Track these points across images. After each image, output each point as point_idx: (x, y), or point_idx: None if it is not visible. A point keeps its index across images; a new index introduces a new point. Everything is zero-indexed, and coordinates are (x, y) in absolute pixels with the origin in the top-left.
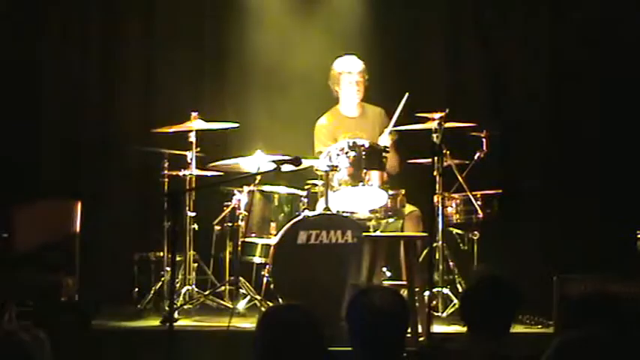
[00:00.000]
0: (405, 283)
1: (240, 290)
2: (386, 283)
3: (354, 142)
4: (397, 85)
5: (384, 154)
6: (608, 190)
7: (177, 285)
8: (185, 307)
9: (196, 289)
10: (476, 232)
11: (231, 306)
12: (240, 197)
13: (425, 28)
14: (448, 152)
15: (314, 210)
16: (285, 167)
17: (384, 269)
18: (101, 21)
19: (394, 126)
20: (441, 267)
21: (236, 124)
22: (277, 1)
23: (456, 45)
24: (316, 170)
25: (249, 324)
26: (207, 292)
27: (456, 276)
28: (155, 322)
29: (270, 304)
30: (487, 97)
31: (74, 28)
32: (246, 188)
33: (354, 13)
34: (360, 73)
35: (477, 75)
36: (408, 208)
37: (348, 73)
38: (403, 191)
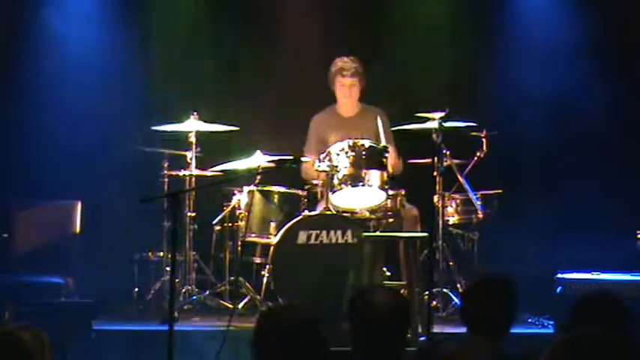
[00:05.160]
0: (405, 283)
1: (240, 290)
2: (386, 283)
3: (354, 142)
4: (398, 85)
5: (384, 154)
6: (608, 190)
7: (177, 285)
8: (185, 307)
9: (196, 289)
10: (476, 232)
11: (231, 306)
12: (240, 197)
13: (425, 28)
14: (448, 152)
15: (314, 210)
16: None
17: (384, 269)
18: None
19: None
20: (441, 267)
21: (236, 127)
22: None
23: (457, 44)
24: (316, 170)
25: (249, 324)
26: (207, 292)
27: (456, 276)
28: (155, 322)
29: (270, 304)
30: (487, 98)
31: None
32: (246, 188)
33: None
34: (353, 75)
35: (477, 75)
36: (406, 207)
37: (342, 74)
38: (403, 191)
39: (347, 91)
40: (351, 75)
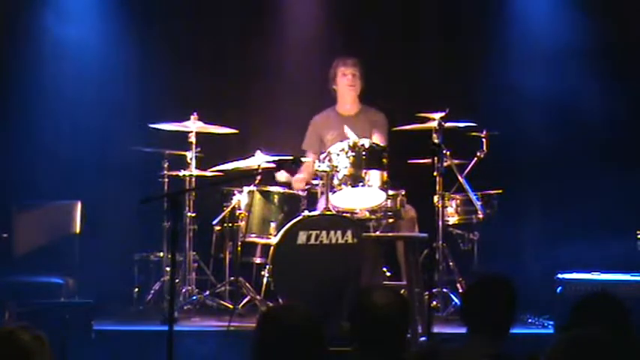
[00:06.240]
0: (405, 283)
1: (240, 290)
2: (386, 283)
3: (354, 142)
4: (397, 85)
5: (384, 153)
6: (608, 190)
7: (177, 285)
8: (185, 307)
9: (196, 290)
10: (476, 232)
11: (231, 306)
12: (240, 197)
13: (424, 29)
14: (448, 152)
15: (314, 210)
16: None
17: (384, 269)
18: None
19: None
20: (441, 267)
21: (235, 130)
22: None
23: (457, 44)
24: (316, 170)
25: (249, 324)
26: (207, 293)
27: (456, 276)
28: (155, 323)
29: (270, 304)
30: (487, 97)
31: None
32: (246, 188)
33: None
34: (355, 65)
35: (477, 75)
36: (406, 208)
37: (343, 65)
38: (403, 191)
39: (350, 79)
40: (352, 65)
